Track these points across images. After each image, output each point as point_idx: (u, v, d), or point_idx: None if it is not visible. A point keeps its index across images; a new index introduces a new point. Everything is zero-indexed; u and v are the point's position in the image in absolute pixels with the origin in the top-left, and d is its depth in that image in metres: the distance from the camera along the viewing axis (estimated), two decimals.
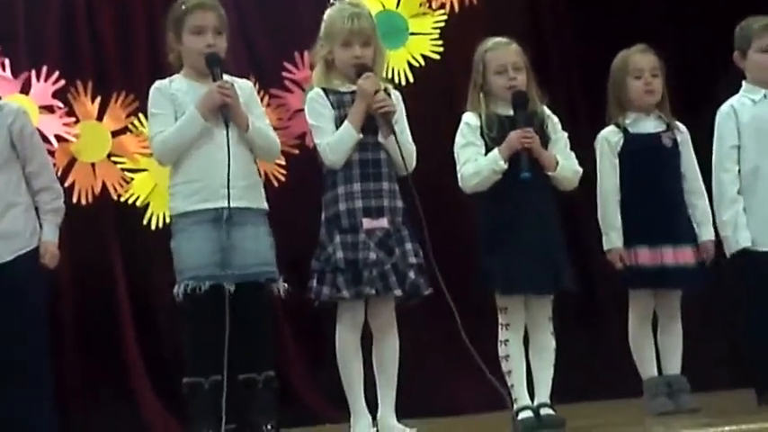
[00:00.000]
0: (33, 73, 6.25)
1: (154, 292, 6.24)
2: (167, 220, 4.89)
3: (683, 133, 5.05)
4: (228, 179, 4.17)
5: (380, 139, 4.27)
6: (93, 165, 6.39)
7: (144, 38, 6.53)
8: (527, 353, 4.48)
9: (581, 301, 5.03)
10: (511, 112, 4.52)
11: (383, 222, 4.23)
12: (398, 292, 4.20)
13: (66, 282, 6.20)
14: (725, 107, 5.01)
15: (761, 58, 4.98)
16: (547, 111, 4.61)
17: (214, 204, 4.24)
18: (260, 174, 4.57)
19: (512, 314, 4.46)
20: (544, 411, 4.39)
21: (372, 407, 4.29)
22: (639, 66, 5.02)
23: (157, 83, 4.42)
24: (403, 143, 4.28)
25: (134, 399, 6.28)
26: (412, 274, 4.21)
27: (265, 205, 4.40)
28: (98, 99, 6.40)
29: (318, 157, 4.31)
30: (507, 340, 4.45)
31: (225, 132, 4.23)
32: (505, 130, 4.47)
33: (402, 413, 4.32)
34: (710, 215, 4.98)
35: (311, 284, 4.23)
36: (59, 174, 5.88)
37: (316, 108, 4.31)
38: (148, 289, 6.32)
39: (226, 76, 4.34)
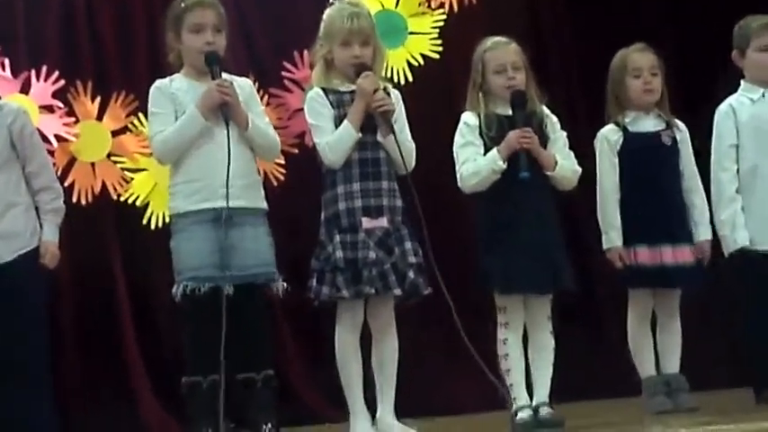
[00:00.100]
0: (33, 73, 6.25)
1: (153, 292, 6.23)
2: (167, 220, 4.88)
3: (682, 132, 5.04)
4: (228, 179, 4.16)
5: (380, 138, 4.26)
6: (92, 164, 6.38)
7: (144, 38, 6.52)
8: (526, 352, 4.49)
9: (580, 301, 5.02)
10: (510, 112, 4.52)
11: (383, 222, 4.22)
12: (398, 292, 4.19)
13: (66, 282, 6.19)
14: (724, 106, 5.01)
15: (760, 57, 4.99)
16: (546, 110, 4.61)
17: (214, 204, 4.23)
18: (259, 173, 4.57)
19: (511, 313, 4.46)
20: (543, 410, 4.40)
21: (372, 406, 4.29)
22: (638, 65, 5.02)
23: (157, 82, 4.42)
24: (402, 142, 4.27)
25: (134, 399, 6.27)
26: (411, 274, 4.20)
27: (265, 205, 4.40)
28: (98, 99, 6.40)
29: (318, 157, 4.30)
30: (506, 339, 4.45)
31: (225, 131, 4.23)
32: (504, 130, 4.47)
33: (401, 413, 4.31)
34: (708, 215, 4.98)
35: (311, 284, 4.22)
36: (59, 173, 5.87)
37: (315, 107, 4.30)
38: (148, 289, 6.31)
39: (225, 75, 4.34)
